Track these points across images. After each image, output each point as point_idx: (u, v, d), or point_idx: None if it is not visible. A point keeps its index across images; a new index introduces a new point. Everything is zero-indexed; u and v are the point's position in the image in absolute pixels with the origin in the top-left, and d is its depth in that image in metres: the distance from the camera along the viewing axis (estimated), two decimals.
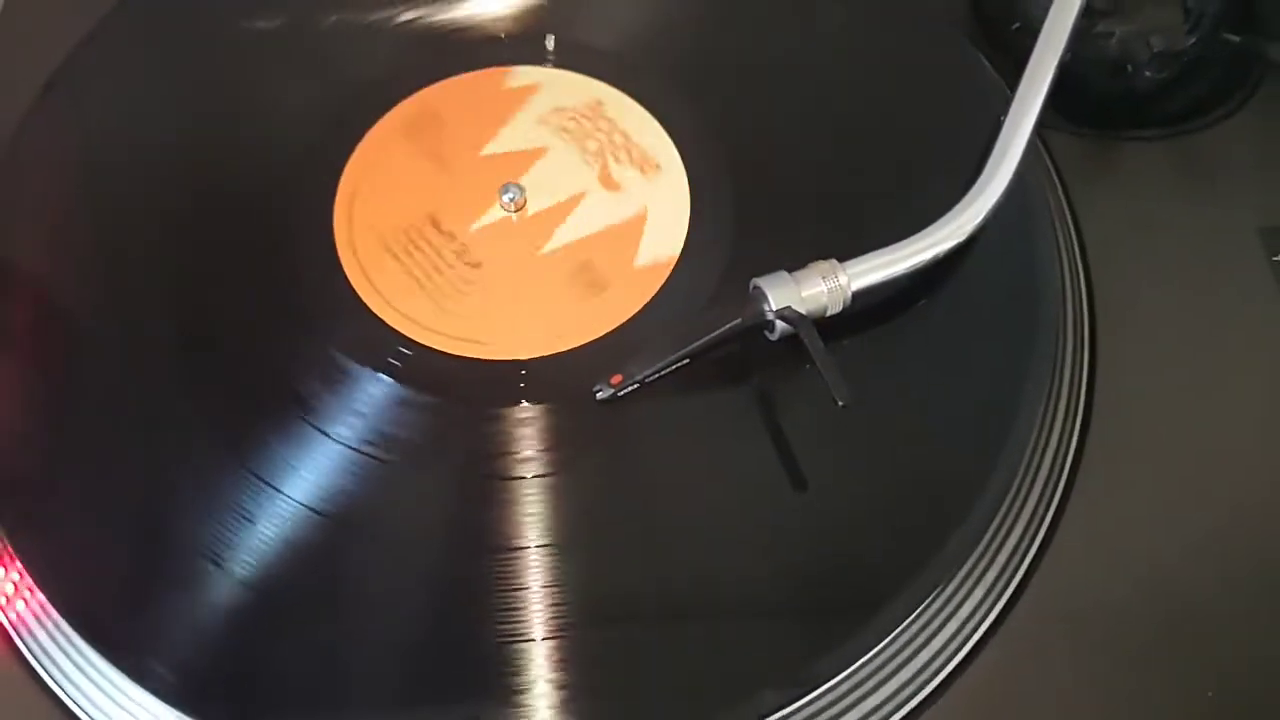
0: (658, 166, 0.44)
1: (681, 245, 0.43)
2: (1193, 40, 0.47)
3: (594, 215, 0.44)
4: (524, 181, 0.44)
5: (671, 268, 0.42)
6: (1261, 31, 0.49)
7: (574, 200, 0.44)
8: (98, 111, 0.47)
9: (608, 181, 0.44)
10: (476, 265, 0.43)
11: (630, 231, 0.43)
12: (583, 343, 0.41)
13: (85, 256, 0.44)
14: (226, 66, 0.49)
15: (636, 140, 0.45)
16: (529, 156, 0.45)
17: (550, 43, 0.48)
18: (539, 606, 0.36)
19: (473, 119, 0.46)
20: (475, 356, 0.41)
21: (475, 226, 0.44)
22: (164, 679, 0.35)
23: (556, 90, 0.47)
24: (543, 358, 0.41)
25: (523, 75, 0.47)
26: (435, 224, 0.44)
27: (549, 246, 0.43)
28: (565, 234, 0.43)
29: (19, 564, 0.37)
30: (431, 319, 0.41)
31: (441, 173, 0.45)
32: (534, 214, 0.44)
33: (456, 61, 0.48)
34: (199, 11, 0.50)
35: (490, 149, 0.46)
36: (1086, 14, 0.44)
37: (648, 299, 0.42)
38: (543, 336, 0.41)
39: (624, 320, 0.41)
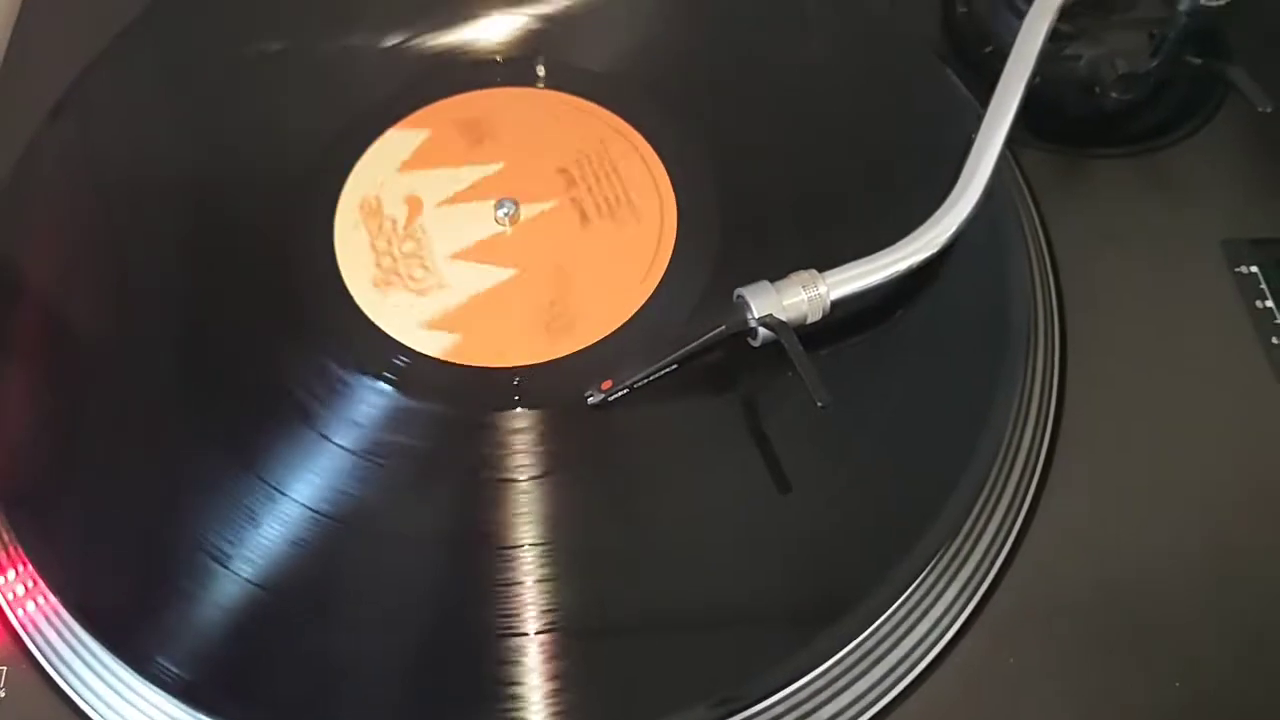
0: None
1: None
2: (1156, 63, 0.48)
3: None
4: (524, 211, 0.46)
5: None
6: (1223, 54, 0.51)
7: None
8: (104, 132, 0.49)
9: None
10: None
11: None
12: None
13: (94, 270, 0.45)
14: (230, 88, 0.50)
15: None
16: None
17: (540, 69, 0.50)
18: (532, 602, 0.37)
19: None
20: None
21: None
22: (170, 675, 0.36)
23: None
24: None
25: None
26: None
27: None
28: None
29: (30, 566, 0.38)
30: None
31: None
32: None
33: (453, 82, 0.49)
34: (202, 37, 0.52)
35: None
36: (1054, 38, 0.46)
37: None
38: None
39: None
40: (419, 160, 0.47)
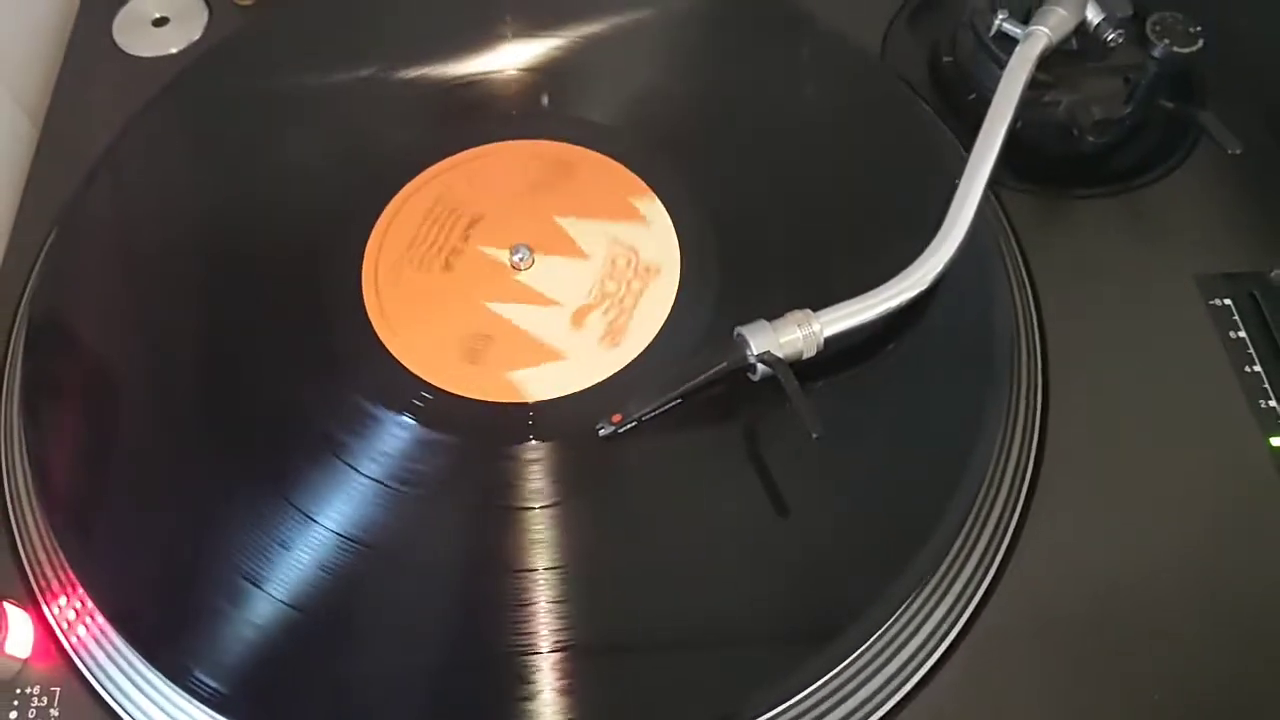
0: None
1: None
2: (1130, 108, 0.51)
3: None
4: (539, 259, 0.48)
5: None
6: (1195, 98, 0.54)
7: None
8: (138, 190, 0.51)
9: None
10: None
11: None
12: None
13: (136, 318, 0.48)
14: (254, 147, 0.53)
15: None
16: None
17: (545, 99, 0.53)
18: (545, 622, 0.39)
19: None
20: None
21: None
22: (208, 688, 0.38)
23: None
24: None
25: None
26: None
27: None
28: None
29: (82, 591, 0.40)
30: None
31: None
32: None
33: (471, 135, 0.52)
34: (225, 102, 0.54)
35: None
36: (1033, 85, 0.48)
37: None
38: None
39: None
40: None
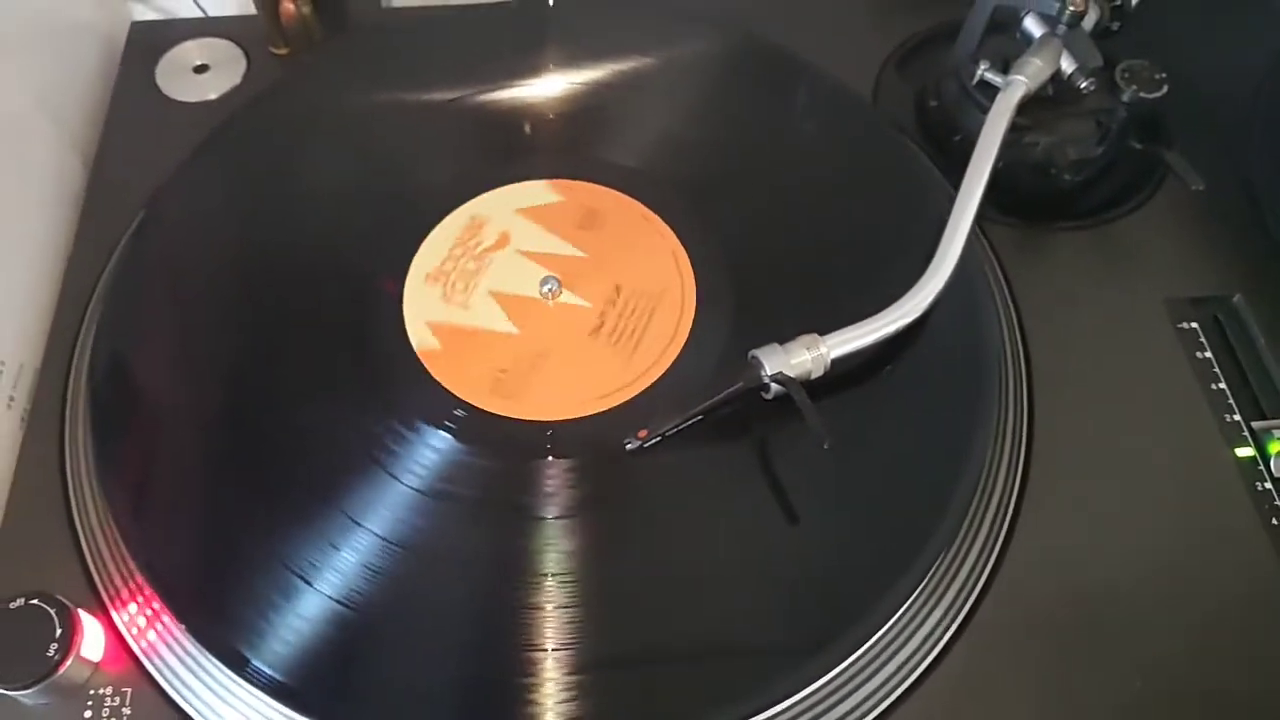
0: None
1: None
2: (1102, 149, 0.55)
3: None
4: (565, 290, 0.52)
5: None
6: (1162, 138, 0.58)
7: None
8: (188, 229, 0.54)
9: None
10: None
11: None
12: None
13: (196, 348, 0.50)
14: (298, 186, 0.55)
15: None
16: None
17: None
18: (553, 623, 0.42)
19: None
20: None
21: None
22: (265, 676, 0.41)
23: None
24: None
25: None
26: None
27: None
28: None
29: (151, 596, 0.43)
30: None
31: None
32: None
33: (505, 173, 0.56)
34: (271, 143, 0.57)
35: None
36: (1014, 129, 0.52)
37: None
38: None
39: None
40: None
